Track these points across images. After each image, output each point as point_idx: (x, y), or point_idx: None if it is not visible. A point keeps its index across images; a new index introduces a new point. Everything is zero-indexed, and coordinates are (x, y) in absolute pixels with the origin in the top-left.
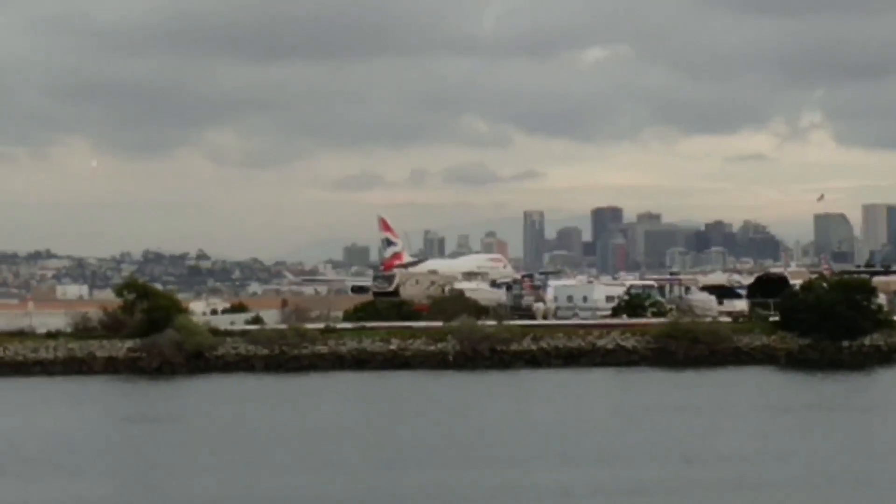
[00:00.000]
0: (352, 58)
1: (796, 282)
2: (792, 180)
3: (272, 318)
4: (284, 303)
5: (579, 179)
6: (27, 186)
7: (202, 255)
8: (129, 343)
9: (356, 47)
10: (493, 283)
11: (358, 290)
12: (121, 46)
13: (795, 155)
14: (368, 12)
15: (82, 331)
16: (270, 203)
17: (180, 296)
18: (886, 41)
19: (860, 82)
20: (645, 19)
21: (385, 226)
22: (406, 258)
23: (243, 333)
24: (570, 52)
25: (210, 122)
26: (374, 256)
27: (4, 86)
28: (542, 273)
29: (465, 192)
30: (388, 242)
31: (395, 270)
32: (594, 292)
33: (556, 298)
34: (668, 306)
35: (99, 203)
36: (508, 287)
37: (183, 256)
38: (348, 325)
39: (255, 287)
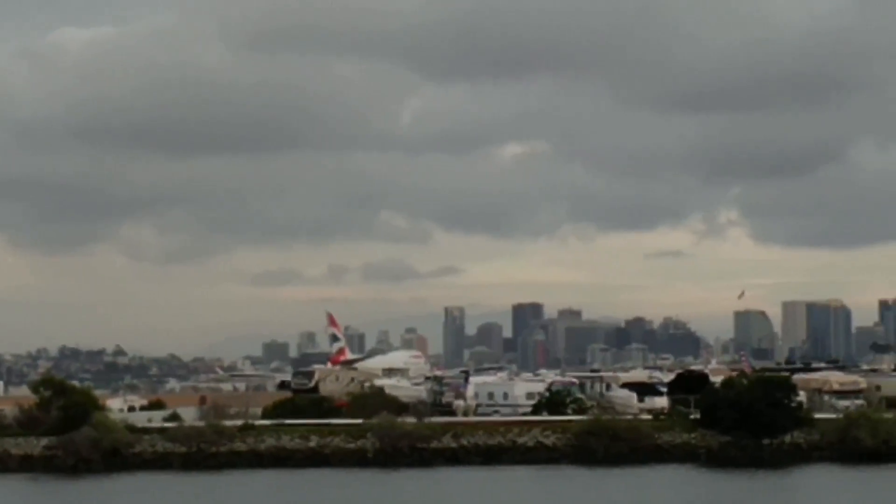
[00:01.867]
0: (268, 153)
1: (717, 379)
2: (711, 276)
3: (190, 415)
4: (203, 399)
5: (498, 275)
6: None
7: (119, 352)
8: (44, 440)
9: (273, 142)
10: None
11: (283, 385)
12: (36, 143)
13: (713, 251)
14: (286, 108)
15: None
16: (188, 299)
17: (97, 392)
18: (804, 139)
19: (776, 180)
20: (562, 117)
21: (332, 321)
22: (348, 354)
23: (161, 431)
24: (488, 149)
25: (126, 218)
26: (293, 352)
27: None
28: (480, 370)
29: (384, 289)
30: (335, 338)
31: (315, 367)
32: (515, 389)
33: (476, 395)
34: (589, 403)
35: (15, 299)
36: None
37: (100, 352)
38: (267, 422)
39: (172, 383)
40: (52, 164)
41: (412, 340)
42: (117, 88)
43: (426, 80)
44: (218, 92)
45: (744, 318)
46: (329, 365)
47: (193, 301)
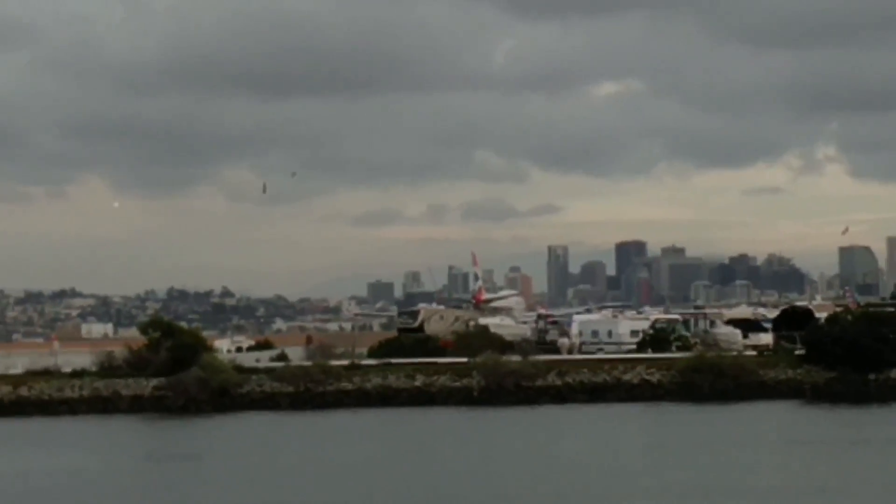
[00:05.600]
0: (362, 94)
1: (821, 315)
2: (811, 213)
3: (297, 356)
4: (309, 340)
5: (599, 213)
6: (48, 226)
7: (226, 293)
8: (154, 381)
9: (366, 84)
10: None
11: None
12: (132, 87)
13: (811, 187)
14: (378, 49)
15: (107, 369)
16: (290, 240)
17: (205, 333)
18: None
19: (873, 115)
20: (656, 54)
21: (474, 260)
22: (485, 294)
23: (268, 371)
24: (581, 87)
25: (225, 160)
26: (398, 292)
27: (16, 125)
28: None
29: (485, 227)
30: (476, 277)
31: (420, 306)
32: (619, 327)
33: (580, 333)
34: (693, 340)
35: (122, 241)
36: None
37: (207, 294)
38: (373, 361)
39: (279, 324)
40: (148, 107)
41: (516, 279)
42: (210, 31)
43: (518, 19)
44: (311, 34)
45: (848, 254)
46: (475, 302)
47: (296, 242)
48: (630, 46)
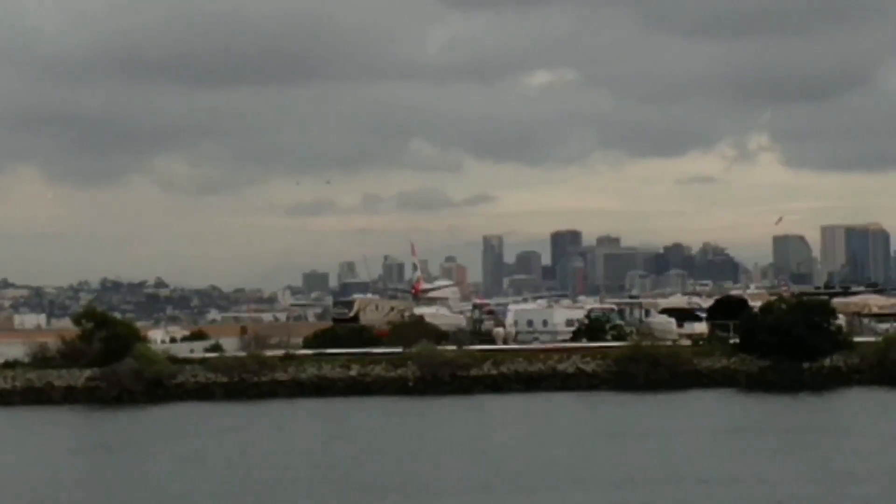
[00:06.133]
0: (295, 84)
1: (756, 304)
2: (745, 202)
3: (232, 346)
4: (244, 330)
5: (534, 203)
6: None
7: (160, 283)
8: (87, 372)
9: (299, 73)
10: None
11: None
12: (64, 76)
13: (744, 176)
14: (311, 39)
15: (40, 360)
16: (225, 230)
17: (139, 324)
18: (832, 63)
19: (807, 104)
20: (589, 44)
21: (413, 251)
22: (423, 284)
23: (202, 361)
24: (515, 77)
25: (158, 150)
26: (333, 282)
27: None
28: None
29: (420, 218)
30: (415, 267)
31: (355, 297)
32: (554, 316)
33: (515, 323)
34: (629, 329)
35: (54, 232)
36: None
37: (141, 284)
38: (308, 351)
39: (213, 314)
40: (81, 97)
41: (451, 269)
42: (143, 21)
43: (451, 8)
44: (244, 24)
45: (782, 243)
46: (414, 292)
47: (230, 232)
48: (563, 36)
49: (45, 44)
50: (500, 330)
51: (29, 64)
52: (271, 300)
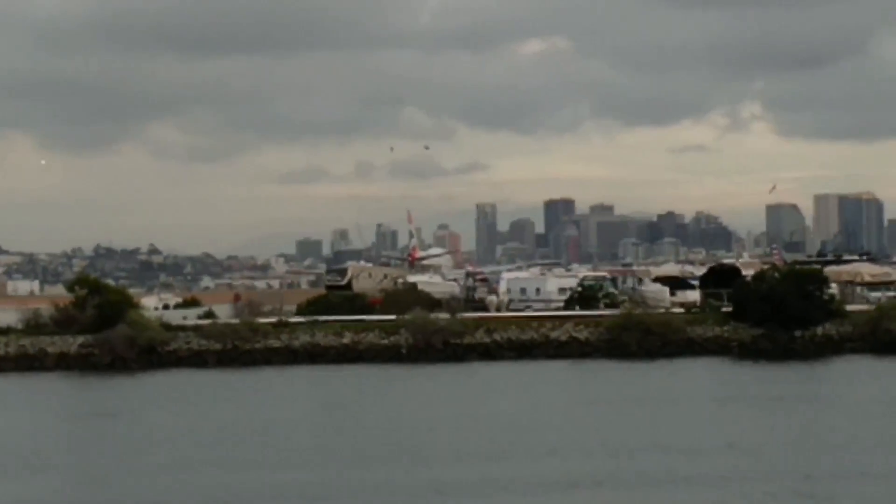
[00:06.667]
0: (288, 52)
1: (748, 272)
2: (738, 171)
3: (225, 313)
4: (237, 297)
5: (527, 171)
6: None
7: (154, 250)
8: (80, 339)
9: (292, 42)
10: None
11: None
12: (55, 44)
13: (737, 145)
14: (304, 7)
15: (33, 327)
16: (218, 197)
17: (132, 291)
18: (824, 32)
19: (799, 73)
20: (582, 12)
21: (410, 219)
22: (419, 252)
23: (196, 328)
24: (508, 45)
25: (151, 118)
26: (326, 250)
27: None
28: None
29: (413, 186)
30: (411, 235)
31: (348, 264)
32: (547, 284)
33: (508, 291)
34: (621, 298)
35: (48, 199)
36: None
37: (134, 251)
38: (301, 319)
39: (207, 281)
40: (72, 64)
41: (445, 237)
42: None
43: None
44: None
45: (775, 212)
46: (410, 260)
47: (223, 200)
48: (556, 4)
49: (38, 11)
50: (493, 298)
51: (21, 31)
52: (264, 267)
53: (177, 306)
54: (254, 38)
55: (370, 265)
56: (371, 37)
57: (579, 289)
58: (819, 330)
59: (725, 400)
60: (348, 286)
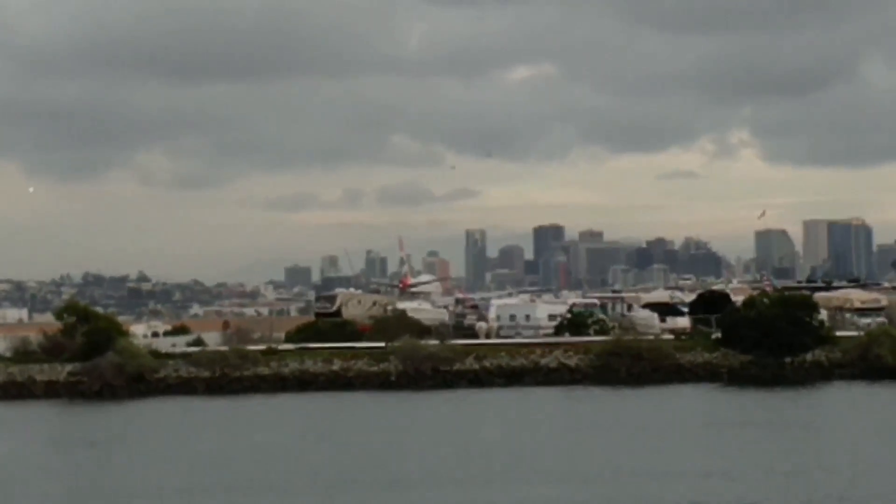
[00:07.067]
0: (276, 79)
1: (738, 298)
2: (727, 197)
3: (214, 341)
4: (226, 325)
5: (516, 198)
6: None
7: (143, 278)
8: (69, 367)
9: (280, 68)
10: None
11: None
12: (43, 70)
13: (725, 172)
14: (291, 33)
15: (22, 354)
16: (206, 224)
17: (121, 318)
18: (812, 58)
19: (787, 99)
20: (570, 39)
21: (401, 246)
22: (410, 279)
23: (185, 356)
24: (495, 72)
25: (139, 144)
26: (315, 276)
27: None
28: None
29: (402, 212)
30: (402, 262)
31: (338, 291)
32: (536, 311)
33: (498, 317)
34: (611, 324)
35: (36, 226)
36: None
37: (123, 279)
38: (290, 346)
39: (196, 309)
40: (61, 90)
41: (434, 264)
42: (122, 14)
43: (431, 2)
44: (224, 18)
45: (765, 238)
46: (401, 287)
47: (211, 226)
48: (544, 31)
49: (24, 38)
50: (482, 325)
51: (8, 57)
52: (254, 294)
53: (166, 334)
54: (242, 64)
55: (359, 292)
56: (359, 63)
57: (569, 315)
58: (809, 356)
59: (714, 426)
60: (338, 313)
